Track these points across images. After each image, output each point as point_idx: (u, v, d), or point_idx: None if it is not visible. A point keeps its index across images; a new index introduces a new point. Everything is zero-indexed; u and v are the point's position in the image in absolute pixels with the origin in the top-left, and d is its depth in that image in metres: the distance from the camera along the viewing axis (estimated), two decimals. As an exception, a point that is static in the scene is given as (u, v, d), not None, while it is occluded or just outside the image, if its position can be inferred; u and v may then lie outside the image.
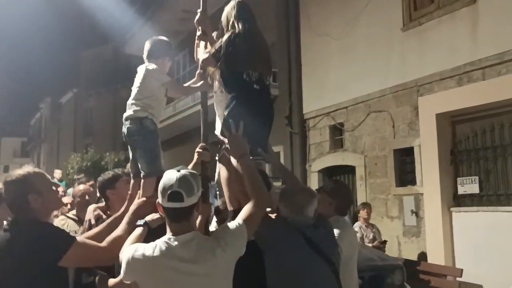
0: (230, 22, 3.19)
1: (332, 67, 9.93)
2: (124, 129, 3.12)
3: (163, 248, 2.13)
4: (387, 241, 7.65)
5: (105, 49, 30.76)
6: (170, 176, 2.21)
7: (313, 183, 10.25)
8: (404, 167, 8.43)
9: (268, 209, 2.92)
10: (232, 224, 2.33)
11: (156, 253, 2.12)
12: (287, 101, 11.09)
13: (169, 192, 2.16)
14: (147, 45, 3.31)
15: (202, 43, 3.30)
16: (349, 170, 9.55)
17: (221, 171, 3.16)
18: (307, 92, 10.74)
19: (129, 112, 3.13)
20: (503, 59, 6.78)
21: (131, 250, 2.18)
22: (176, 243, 2.15)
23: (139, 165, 3.05)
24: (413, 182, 8.12)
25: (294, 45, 11.09)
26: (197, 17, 3.23)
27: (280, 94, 11.38)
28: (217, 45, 3.08)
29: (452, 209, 7.56)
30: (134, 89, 3.18)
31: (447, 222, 7.53)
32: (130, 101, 3.17)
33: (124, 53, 20.71)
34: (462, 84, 7.36)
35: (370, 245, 7.25)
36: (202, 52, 3.27)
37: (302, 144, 10.73)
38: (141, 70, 3.20)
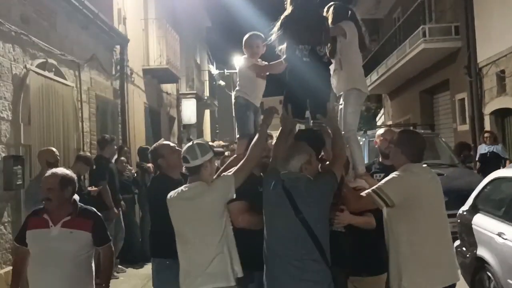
0: (285, 5, 3.63)
1: (494, 18, 10.93)
2: None
3: (179, 191, 3.05)
4: None
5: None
6: (185, 146, 3.14)
7: (486, 124, 11.64)
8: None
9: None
10: (225, 174, 3.11)
11: (173, 194, 3.07)
12: (466, 52, 12.42)
13: (182, 156, 3.11)
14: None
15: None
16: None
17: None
18: (480, 43, 11.88)
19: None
20: None
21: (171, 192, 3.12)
22: (186, 189, 3.05)
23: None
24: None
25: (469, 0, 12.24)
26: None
27: (461, 45, 12.75)
28: (275, 29, 3.55)
29: None
30: None
31: None
32: None
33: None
34: None
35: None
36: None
37: (476, 90, 12.05)
38: None
